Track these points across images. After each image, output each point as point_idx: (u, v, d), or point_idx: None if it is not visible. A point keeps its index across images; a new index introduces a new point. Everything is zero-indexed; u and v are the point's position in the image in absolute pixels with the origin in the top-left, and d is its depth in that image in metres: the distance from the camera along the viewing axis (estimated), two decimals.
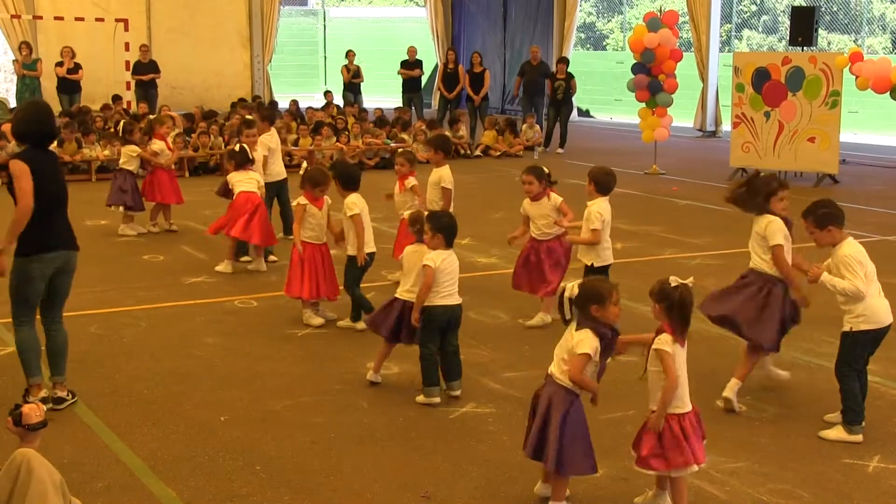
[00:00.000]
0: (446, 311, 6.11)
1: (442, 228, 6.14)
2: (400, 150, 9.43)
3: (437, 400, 6.08)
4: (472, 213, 11.05)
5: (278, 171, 10.33)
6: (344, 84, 22.01)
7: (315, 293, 7.79)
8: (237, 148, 9.66)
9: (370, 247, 7.67)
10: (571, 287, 4.68)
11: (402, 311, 6.35)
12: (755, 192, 6.20)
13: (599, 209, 7.20)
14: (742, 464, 5.28)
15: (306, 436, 5.62)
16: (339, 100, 21.85)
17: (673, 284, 4.63)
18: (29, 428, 4.11)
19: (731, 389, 6.08)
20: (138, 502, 4.84)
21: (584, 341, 4.58)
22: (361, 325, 7.62)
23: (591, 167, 7.62)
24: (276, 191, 10.29)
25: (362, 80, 21.98)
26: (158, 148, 11.36)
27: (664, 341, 4.62)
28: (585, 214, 7.28)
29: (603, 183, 7.27)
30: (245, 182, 9.44)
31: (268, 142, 10.14)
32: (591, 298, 4.62)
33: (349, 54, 21.89)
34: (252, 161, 9.59)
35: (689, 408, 4.65)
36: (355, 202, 7.58)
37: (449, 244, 6.15)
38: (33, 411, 4.14)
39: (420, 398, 6.13)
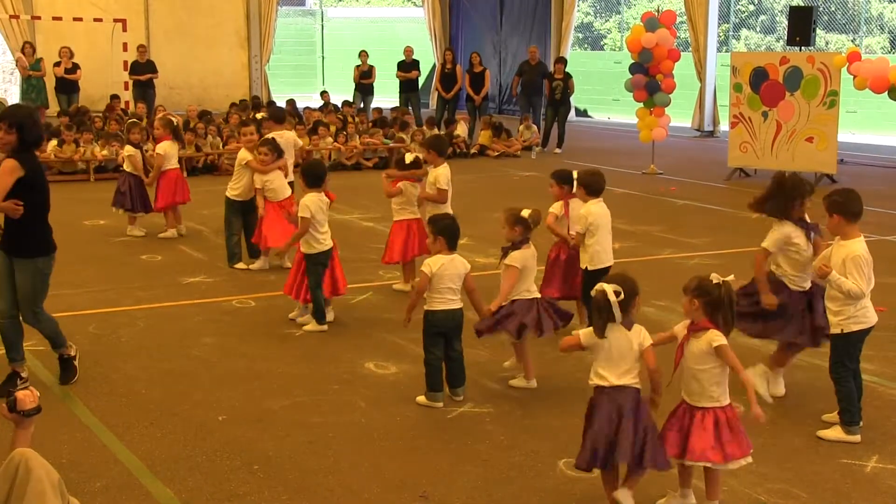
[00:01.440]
0: (448, 316, 6.07)
1: (443, 231, 6.11)
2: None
3: (440, 405, 6.05)
4: (471, 213, 11.03)
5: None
6: (354, 84, 22.00)
7: (289, 291, 7.79)
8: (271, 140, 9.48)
9: (324, 245, 7.59)
10: (611, 288, 4.52)
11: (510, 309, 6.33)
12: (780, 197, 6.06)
13: (587, 210, 7.01)
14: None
15: (304, 435, 5.62)
16: (338, 100, 21.83)
17: (714, 282, 4.53)
18: (24, 414, 4.12)
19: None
20: (136, 502, 4.84)
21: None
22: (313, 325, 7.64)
23: (581, 169, 7.50)
24: None
25: (374, 80, 21.94)
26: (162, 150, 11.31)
27: (718, 336, 4.52)
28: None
29: (591, 184, 7.05)
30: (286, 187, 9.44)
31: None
32: (635, 292, 4.57)
33: (362, 54, 21.87)
34: (281, 154, 9.54)
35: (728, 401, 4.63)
36: (308, 205, 7.50)
37: (452, 247, 6.11)
38: (27, 397, 4.15)
39: (421, 398, 6.12)
